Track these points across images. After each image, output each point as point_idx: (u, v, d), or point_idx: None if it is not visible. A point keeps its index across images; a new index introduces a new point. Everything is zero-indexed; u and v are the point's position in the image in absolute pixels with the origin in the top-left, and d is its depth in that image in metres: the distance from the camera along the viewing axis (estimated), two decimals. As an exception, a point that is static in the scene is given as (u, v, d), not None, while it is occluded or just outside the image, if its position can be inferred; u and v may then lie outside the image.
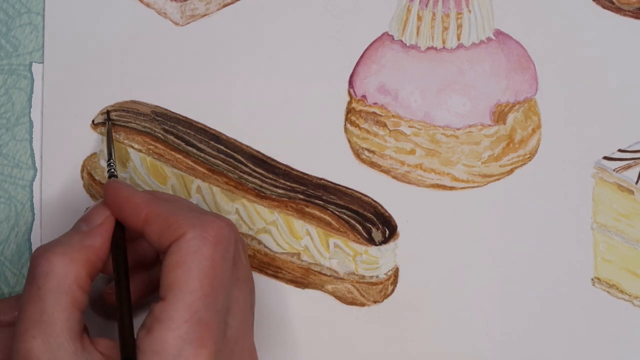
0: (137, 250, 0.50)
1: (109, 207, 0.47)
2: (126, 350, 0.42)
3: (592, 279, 0.53)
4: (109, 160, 0.51)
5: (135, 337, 0.43)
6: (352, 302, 0.53)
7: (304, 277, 0.53)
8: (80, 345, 0.43)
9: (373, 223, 0.52)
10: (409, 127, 0.53)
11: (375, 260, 0.52)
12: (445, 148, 0.53)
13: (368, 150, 0.53)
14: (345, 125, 0.54)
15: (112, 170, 0.50)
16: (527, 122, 0.53)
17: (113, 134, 0.53)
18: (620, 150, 0.53)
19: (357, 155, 0.53)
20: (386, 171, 0.53)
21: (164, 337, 0.42)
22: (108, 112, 0.53)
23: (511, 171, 0.53)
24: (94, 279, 0.45)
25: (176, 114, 0.54)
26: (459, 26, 0.53)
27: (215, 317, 0.43)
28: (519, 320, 0.52)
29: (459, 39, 0.53)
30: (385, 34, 0.54)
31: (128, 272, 0.46)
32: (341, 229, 0.52)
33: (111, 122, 0.53)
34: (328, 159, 0.53)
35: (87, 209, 0.49)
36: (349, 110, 0.54)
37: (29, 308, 0.43)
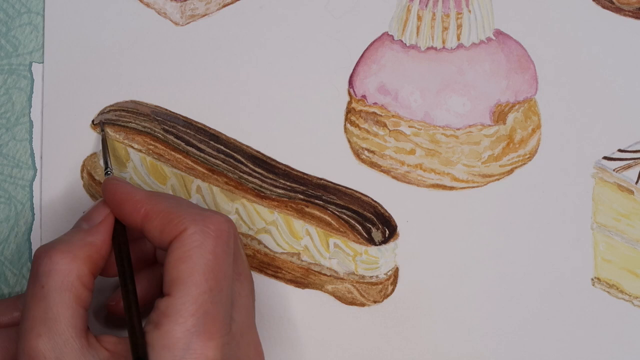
0: (139, 250, 0.50)
1: (108, 205, 0.47)
2: (138, 350, 0.42)
3: (592, 279, 0.53)
4: (105, 168, 0.51)
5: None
6: (352, 302, 0.53)
7: (304, 277, 0.53)
8: (85, 342, 0.43)
9: (373, 223, 0.52)
10: (409, 127, 0.53)
11: (375, 260, 0.52)
12: (445, 148, 0.53)
13: (368, 150, 0.53)
14: (345, 125, 0.54)
15: (109, 171, 0.50)
16: (527, 122, 0.53)
17: (113, 134, 0.53)
18: (620, 150, 0.53)
19: (357, 155, 0.53)
20: (386, 171, 0.53)
21: (173, 331, 0.42)
22: (102, 123, 0.53)
23: (511, 171, 0.53)
24: (97, 276, 0.45)
25: (176, 114, 0.54)
26: (459, 26, 0.53)
27: (221, 310, 0.43)
28: (518, 320, 0.52)
29: (459, 39, 0.53)
30: (385, 34, 0.54)
31: (132, 269, 0.46)
32: (341, 229, 0.52)
33: (107, 124, 0.53)
34: (328, 159, 0.53)
35: (85, 211, 0.49)
36: (349, 110, 0.54)
37: (33, 306, 0.43)
